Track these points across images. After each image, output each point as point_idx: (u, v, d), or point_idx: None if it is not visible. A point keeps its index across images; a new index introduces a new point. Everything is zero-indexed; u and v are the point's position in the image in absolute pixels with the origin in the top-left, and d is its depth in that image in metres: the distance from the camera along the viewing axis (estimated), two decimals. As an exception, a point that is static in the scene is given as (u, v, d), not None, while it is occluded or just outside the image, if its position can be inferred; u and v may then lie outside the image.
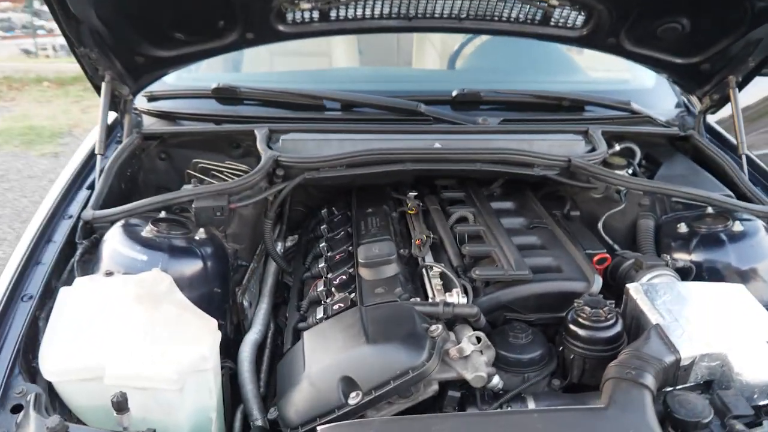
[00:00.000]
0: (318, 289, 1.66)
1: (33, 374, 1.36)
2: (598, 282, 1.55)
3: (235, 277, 1.82)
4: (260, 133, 1.99)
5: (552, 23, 1.99)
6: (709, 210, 1.89)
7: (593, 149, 2.04)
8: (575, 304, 1.48)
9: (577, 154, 1.95)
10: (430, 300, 1.50)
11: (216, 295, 1.66)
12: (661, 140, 2.29)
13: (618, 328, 1.44)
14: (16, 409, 1.26)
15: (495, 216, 1.85)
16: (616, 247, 1.85)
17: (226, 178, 1.98)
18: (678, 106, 2.50)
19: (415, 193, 2.05)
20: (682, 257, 1.78)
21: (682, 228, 1.83)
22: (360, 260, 1.58)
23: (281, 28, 1.95)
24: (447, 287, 1.52)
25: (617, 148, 2.14)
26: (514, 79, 2.57)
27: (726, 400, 1.32)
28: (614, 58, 2.49)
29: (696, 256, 1.76)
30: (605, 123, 2.20)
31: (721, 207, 1.88)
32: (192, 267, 1.63)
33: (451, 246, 1.72)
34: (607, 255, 1.69)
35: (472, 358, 1.35)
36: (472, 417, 1.24)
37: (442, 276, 1.58)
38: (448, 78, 2.73)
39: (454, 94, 2.19)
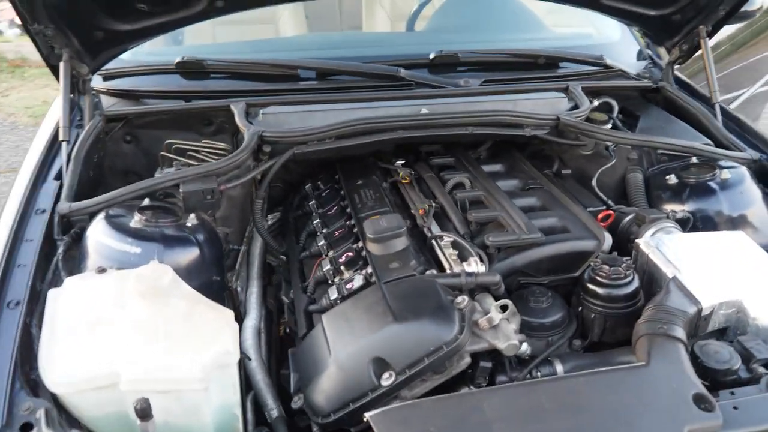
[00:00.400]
0: (324, 269, 1.59)
1: (34, 387, 1.25)
2: (608, 239, 1.56)
3: (227, 262, 1.73)
4: (238, 108, 1.88)
5: (531, -22, 1.95)
6: (694, 160, 1.92)
7: (576, 106, 2.03)
8: (592, 264, 1.48)
9: (563, 112, 1.93)
10: (447, 271, 1.46)
11: (215, 284, 1.57)
12: (634, 93, 2.31)
13: (636, 283, 1.45)
14: (26, 427, 1.15)
15: (491, 179, 1.83)
16: (610, 202, 1.86)
17: (205, 158, 1.86)
18: (643, 58, 2.53)
19: (403, 162, 2.00)
20: (676, 208, 1.81)
21: (672, 179, 1.85)
22: (369, 235, 1.51)
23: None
24: (462, 257, 1.49)
25: (596, 103, 2.14)
26: (480, 38, 2.51)
27: (748, 345, 1.35)
28: (575, 12, 2.50)
29: (689, 206, 1.79)
30: (582, 78, 2.20)
31: (706, 156, 1.91)
32: (189, 256, 1.53)
33: (455, 213, 1.68)
34: (611, 211, 1.69)
35: (502, 326, 1.33)
36: (521, 388, 1.22)
37: (455, 245, 1.54)
38: (416, 40, 2.65)
39: (431, 56, 2.13)
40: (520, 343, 1.33)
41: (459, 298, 1.34)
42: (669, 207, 1.83)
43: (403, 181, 1.87)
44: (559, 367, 1.40)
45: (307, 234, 1.85)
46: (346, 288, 1.47)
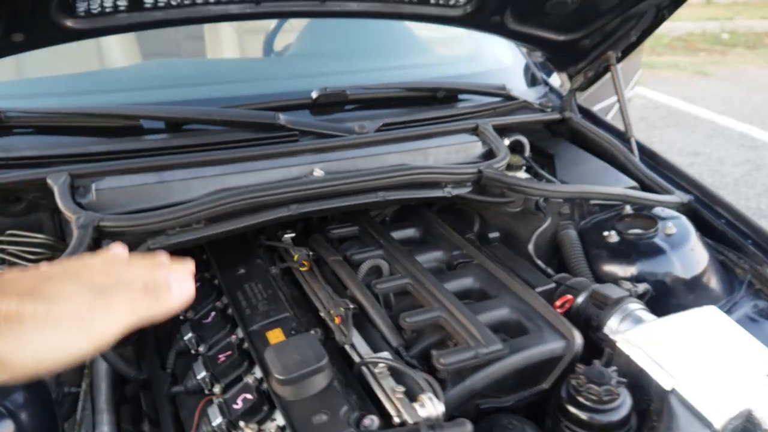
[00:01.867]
0: (213, 421, 1.11)
1: None
2: (578, 339, 1.24)
3: (62, 411, 1.20)
4: (58, 183, 1.32)
5: (432, 1, 1.59)
6: (628, 209, 1.68)
7: (491, 151, 1.72)
8: (573, 381, 1.15)
9: (484, 164, 1.60)
10: (395, 419, 1.06)
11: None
12: (538, 126, 2.04)
13: (629, 402, 1.14)
14: None
15: (411, 258, 1.44)
16: (550, 271, 1.55)
17: (16, 261, 1.30)
18: (534, 84, 2.28)
19: (292, 235, 1.55)
20: (620, 271, 1.56)
21: (613, 237, 1.59)
22: (277, 375, 1.07)
23: (69, 23, 1.28)
24: (410, 393, 1.09)
25: (506, 142, 1.84)
26: (356, 67, 2.12)
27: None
28: (454, 33, 2.20)
29: (637, 269, 1.53)
30: (485, 113, 1.88)
31: (639, 204, 1.68)
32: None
33: (380, 317, 1.27)
34: (569, 296, 1.38)
35: (487, 503, 0.96)
36: None
37: (394, 372, 1.14)
38: (284, 71, 2.16)
39: (314, 95, 1.69)
40: None
41: (427, 471, 0.95)
42: (610, 269, 1.57)
43: (302, 268, 1.43)
44: None
45: (177, 353, 1.35)
46: (251, 460, 1.01)
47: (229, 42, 3.13)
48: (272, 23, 2.76)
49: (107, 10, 1.30)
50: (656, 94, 6.31)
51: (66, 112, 1.49)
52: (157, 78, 1.87)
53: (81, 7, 1.27)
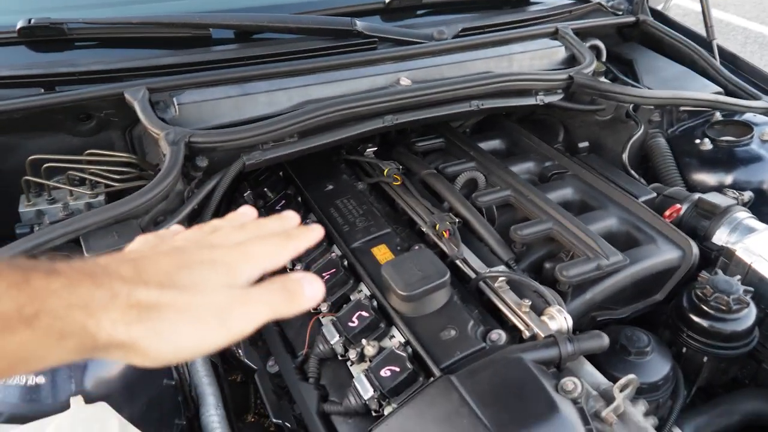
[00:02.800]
0: (330, 340, 1.08)
1: None
2: (695, 250, 1.19)
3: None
4: (137, 97, 1.24)
5: None
6: (717, 116, 1.61)
7: (573, 56, 1.62)
8: (698, 291, 1.11)
9: (573, 69, 1.51)
10: (524, 333, 1.02)
11: (168, 391, 1.03)
12: (612, 30, 1.93)
13: (754, 311, 1.11)
14: None
15: (507, 169, 1.38)
16: (643, 182, 1.49)
17: (101, 181, 1.24)
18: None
19: (375, 149, 1.49)
20: (713, 179, 1.50)
21: (706, 144, 1.53)
22: (401, 292, 1.03)
23: None
24: (535, 306, 1.05)
25: (587, 47, 1.74)
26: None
27: None
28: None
29: (733, 177, 1.48)
30: (561, 16, 1.77)
31: (729, 110, 1.61)
32: (118, 367, 0.96)
33: (487, 230, 1.23)
34: (678, 206, 1.33)
35: (630, 415, 0.94)
36: None
37: (513, 285, 1.10)
38: None
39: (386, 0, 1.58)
40: (654, 428, 0.95)
41: (568, 383, 0.92)
42: (703, 177, 1.52)
43: (394, 183, 1.37)
44: (681, 436, 1.06)
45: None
46: (380, 376, 0.99)
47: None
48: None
49: None
50: (689, 2, 6.06)
51: (132, 23, 1.39)
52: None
53: None
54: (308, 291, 0.56)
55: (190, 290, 0.51)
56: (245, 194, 1.47)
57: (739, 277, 1.14)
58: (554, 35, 1.66)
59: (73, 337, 0.45)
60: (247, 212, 0.66)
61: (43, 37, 1.37)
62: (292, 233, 0.61)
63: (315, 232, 0.63)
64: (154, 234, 0.61)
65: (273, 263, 0.58)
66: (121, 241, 1.04)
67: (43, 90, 1.33)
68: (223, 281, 0.53)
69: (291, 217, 0.65)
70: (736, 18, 6.09)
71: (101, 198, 1.25)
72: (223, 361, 1.37)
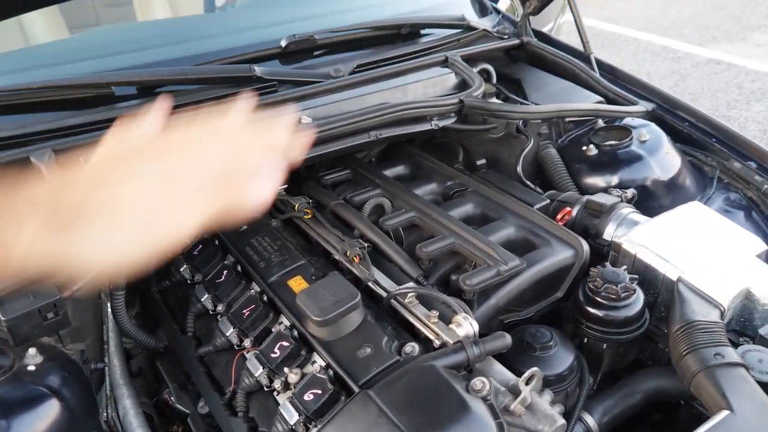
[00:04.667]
0: (255, 373, 1.12)
1: None
2: (585, 247, 1.30)
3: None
4: (43, 160, 1.27)
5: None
6: (600, 123, 1.75)
7: (464, 81, 1.74)
8: (590, 284, 1.21)
9: (463, 93, 1.62)
10: (435, 342, 1.09)
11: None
12: (500, 53, 2.07)
13: (642, 296, 1.22)
14: None
15: (411, 192, 1.47)
16: (538, 190, 1.60)
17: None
18: (484, 13, 2.29)
19: (285, 186, 1.55)
20: (601, 181, 1.63)
21: (591, 150, 1.66)
22: (315, 318, 1.08)
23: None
24: (443, 316, 1.12)
25: (475, 71, 1.86)
26: (311, 12, 2.05)
27: (775, 338, 1.20)
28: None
29: (618, 177, 1.61)
30: (450, 45, 1.89)
31: (609, 117, 1.75)
32: (49, 416, 0.98)
33: (395, 251, 1.30)
34: (568, 209, 1.44)
35: (538, 405, 1.01)
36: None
37: (423, 300, 1.17)
38: (235, 23, 2.08)
39: (283, 43, 1.66)
40: (561, 415, 1.03)
41: (477, 383, 1.00)
42: (593, 180, 1.65)
43: (305, 216, 1.43)
44: (591, 421, 1.14)
45: (195, 316, 1.34)
46: (304, 401, 1.04)
47: (159, 4, 3.01)
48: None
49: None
50: (602, 23, 6.48)
51: (33, 87, 1.41)
52: (109, 45, 1.77)
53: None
54: (255, 194, 0.54)
55: (120, 196, 0.49)
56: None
57: (625, 267, 1.25)
58: (444, 63, 1.77)
59: None
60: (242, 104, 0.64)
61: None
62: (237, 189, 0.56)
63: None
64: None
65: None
66: (37, 301, 1.05)
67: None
68: (157, 181, 0.51)
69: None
70: (627, 29, 6.52)
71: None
72: (158, 413, 1.38)
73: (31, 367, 1.01)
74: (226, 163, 0.55)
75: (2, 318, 1.02)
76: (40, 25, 2.38)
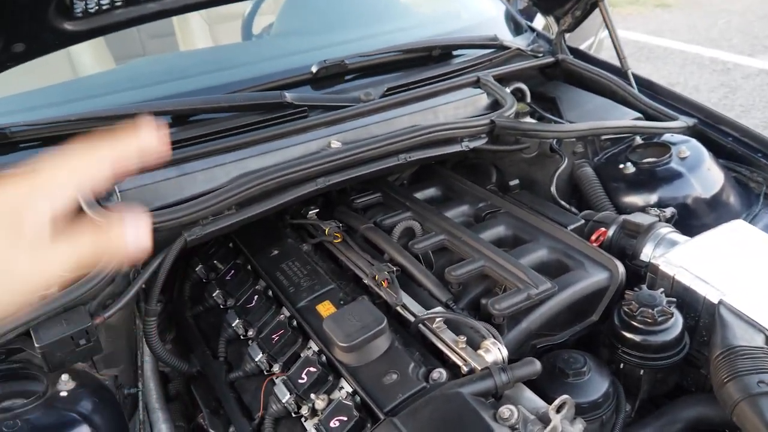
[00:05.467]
0: (281, 398, 1.12)
1: None
2: (621, 269, 1.26)
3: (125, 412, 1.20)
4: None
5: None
6: (638, 140, 1.71)
7: (497, 101, 1.72)
8: (625, 308, 1.17)
9: (495, 114, 1.60)
10: (462, 368, 1.07)
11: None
12: (534, 72, 2.04)
13: (681, 320, 1.18)
14: None
15: (441, 215, 1.45)
16: (573, 210, 1.57)
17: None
18: (519, 31, 2.28)
19: (316, 210, 1.55)
20: (639, 200, 1.58)
21: (629, 168, 1.62)
22: (341, 344, 1.08)
23: (68, 26, 1.26)
24: (471, 341, 1.10)
25: (507, 91, 1.84)
26: (344, 38, 2.08)
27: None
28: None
29: (657, 195, 1.56)
30: (483, 66, 1.88)
31: (648, 133, 1.70)
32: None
33: (424, 275, 1.29)
34: (603, 229, 1.40)
35: (569, 433, 0.98)
36: None
37: (450, 324, 1.16)
38: (269, 52, 2.13)
39: (314, 69, 1.68)
40: (593, 446, 0.99)
41: (504, 411, 0.97)
42: (631, 199, 1.60)
43: (335, 240, 1.43)
44: (628, 452, 1.10)
45: (226, 341, 1.35)
46: (330, 427, 1.03)
47: (201, 34, 3.09)
48: (242, 8, 2.73)
49: (104, 7, 1.27)
50: (623, 32, 6.34)
51: (71, 120, 1.46)
52: (150, 75, 1.83)
53: (79, 8, 1.25)
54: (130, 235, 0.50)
55: None
56: (197, 268, 1.52)
57: (662, 289, 1.20)
58: (476, 84, 1.76)
59: None
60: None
61: (-14, 144, 1.43)
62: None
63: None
64: None
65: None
66: (70, 328, 1.08)
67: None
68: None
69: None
70: (673, 42, 6.38)
71: (53, 289, 1.29)
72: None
73: (64, 393, 1.04)
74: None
75: (36, 344, 1.04)
76: (87, 56, 2.47)
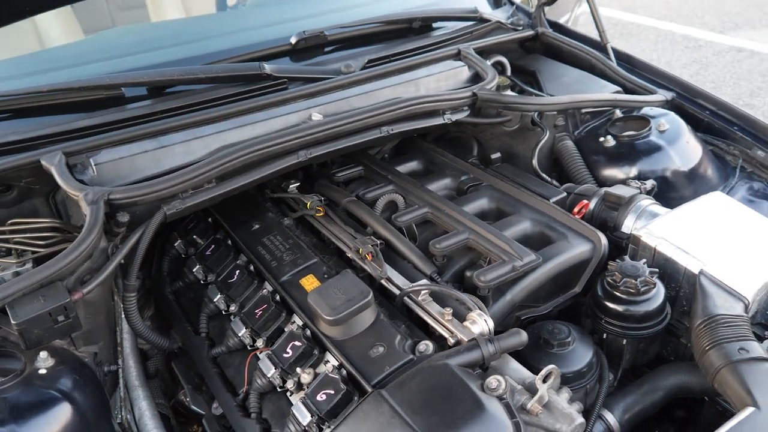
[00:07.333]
0: (267, 374, 1.11)
1: None
2: (604, 241, 1.27)
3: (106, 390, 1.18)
4: (53, 163, 1.26)
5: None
6: (618, 113, 1.71)
7: (477, 74, 1.71)
8: (608, 279, 1.18)
9: (477, 86, 1.59)
10: (449, 340, 1.07)
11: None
12: (513, 45, 2.03)
13: (662, 290, 1.19)
14: None
15: (424, 188, 1.44)
16: (555, 183, 1.57)
17: (26, 249, 1.25)
18: (498, 5, 2.26)
19: (297, 184, 1.53)
20: (619, 172, 1.59)
21: (609, 141, 1.62)
22: (326, 317, 1.07)
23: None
24: (458, 313, 1.10)
25: (488, 64, 1.83)
26: (322, 8, 2.03)
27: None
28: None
29: (638, 168, 1.57)
30: (462, 38, 1.86)
31: (627, 107, 1.71)
32: (60, 420, 0.97)
33: (408, 248, 1.28)
34: (585, 202, 1.41)
35: (555, 404, 0.99)
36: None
37: (436, 297, 1.15)
38: (246, 22, 2.07)
39: (293, 40, 1.64)
40: (580, 413, 1.00)
41: (492, 381, 0.97)
42: (611, 172, 1.61)
43: (317, 214, 1.41)
44: (612, 419, 1.11)
45: (208, 317, 1.34)
46: (317, 401, 1.02)
47: (173, 5, 3.01)
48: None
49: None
50: (621, 13, 6.38)
51: (43, 90, 1.41)
52: (122, 46, 1.77)
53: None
54: None
55: None
56: (176, 243, 1.50)
57: (645, 260, 1.21)
58: (457, 56, 1.74)
59: None
60: None
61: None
62: None
63: None
64: None
65: None
66: (47, 304, 1.05)
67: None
68: None
69: None
70: (646, 18, 6.41)
71: (29, 265, 1.25)
72: (175, 414, 1.38)
73: (43, 371, 1.01)
74: None
75: (13, 321, 1.01)
76: (55, 28, 2.39)
